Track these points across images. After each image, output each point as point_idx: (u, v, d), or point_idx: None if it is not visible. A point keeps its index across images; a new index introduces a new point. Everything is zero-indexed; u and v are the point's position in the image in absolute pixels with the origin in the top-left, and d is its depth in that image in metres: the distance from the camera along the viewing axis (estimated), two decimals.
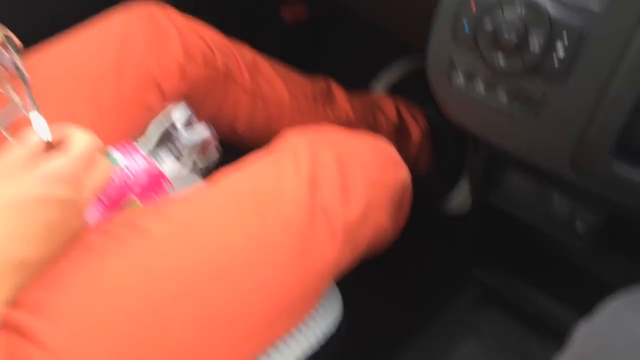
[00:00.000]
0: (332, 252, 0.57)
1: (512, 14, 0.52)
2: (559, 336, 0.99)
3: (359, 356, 0.94)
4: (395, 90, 1.15)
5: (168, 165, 0.62)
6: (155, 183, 0.61)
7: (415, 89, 1.12)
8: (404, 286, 1.04)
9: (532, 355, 0.95)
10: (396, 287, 1.03)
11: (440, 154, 1.09)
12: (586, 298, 0.91)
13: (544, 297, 0.91)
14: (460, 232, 1.07)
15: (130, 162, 0.61)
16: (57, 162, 0.46)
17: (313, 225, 0.55)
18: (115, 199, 0.59)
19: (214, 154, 0.65)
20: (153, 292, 0.47)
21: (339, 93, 0.95)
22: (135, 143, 0.63)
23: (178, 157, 0.61)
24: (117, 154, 0.61)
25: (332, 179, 0.58)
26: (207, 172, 0.64)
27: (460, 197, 1.13)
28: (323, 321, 0.60)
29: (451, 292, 1.05)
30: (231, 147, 0.75)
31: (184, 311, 0.47)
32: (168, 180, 0.62)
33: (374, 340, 0.96)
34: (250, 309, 0.51)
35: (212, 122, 0.68)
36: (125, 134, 0.66)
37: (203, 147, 0.63)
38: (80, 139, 0.48)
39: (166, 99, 0.71)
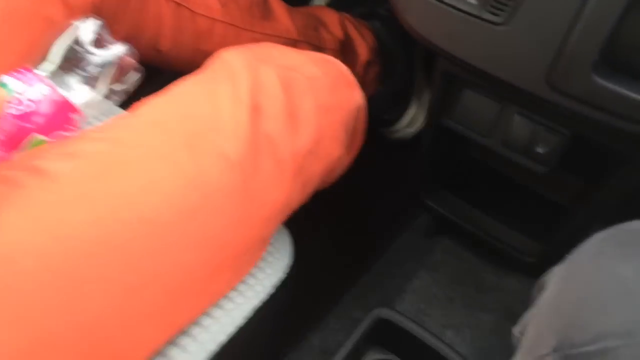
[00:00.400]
0: (280, 191, 0.49)
1: None
2: (513, 267, 0.98)
3: (310, 297, 0.90)
4: (339, 4, 1.05)
5: (76, 91, 0.51)
6: (61, 114, 0.50)
7: (361, 2, 1.02)
8: (352, 219, 0.98)
9: (486, 286, 0.93)
10: (345, 220, 0.97)
11: (388, 74, 1.01)
12: (542, 225, 0.89)
13: (498, 225, 0.87)
14: (411, 158, 1.02)
15: (29, 89, 0.49)
16: None
17: (256, 160, 0.46)
18: (12, 137, 0.48)
19: (133, 76, 0.54)
20: (63, 251, 0.38)
21: (277, 6, 0.84)
22: (34, 68, 0.51)
23: (88, 82, 0.50)
24: (11, 81, 0.49)
25: (277, 104, 0.50)
26: (127, 101, 0.54)
27: (410, 121, 1.07)
28: (273, 271, 0.53)
29: (403, 223, 1.01)
30: (156, 73, 0.65)
31: (102, 272, 0.39)
32: (77, 110, 0.51)
33: (326, 279, 0.91)
34: (184, 265, 0.43)
35: (131, 41, 0.56)
36: (20, 56, 0.54)
37: (119, 68, 0.52)
38: None
39: (72, 13, 0.59)
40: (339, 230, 0.94)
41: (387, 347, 0.80)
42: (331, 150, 0.54)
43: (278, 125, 0.49)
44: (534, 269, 0.90)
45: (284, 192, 0.49)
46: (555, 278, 0.45)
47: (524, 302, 0.95)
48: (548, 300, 0.43)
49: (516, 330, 0.44)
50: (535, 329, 0.40)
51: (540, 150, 0.72)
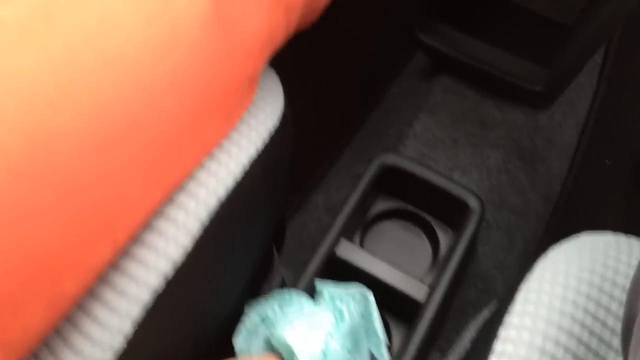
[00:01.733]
0: (260, 18, 0.42)
1: None
2: (519, 99, 0.93)
3: (307, 155, 0.85)
4: None
5: None
6: None
7: None
8: (343, 66, 0.91)
9: (491, 123, 0.88)
10: (335, 67, 0.90)
11: None
12: (547, 49, 0.83)
13: (501, 53, 0.81)
14: None
15: None
16: None
17: None
18: None
19: None
20: (16, 102, 0.32)
21: None
22: None
23: None
24: None
25: None
26: None
27: None
28: (266, 117, 0.47)
29: (397, 66, 0.94)
30: None
31: (66, 124, 0.33)
32: None
33: (321, 133, 0.86)
34: (165, 111, 0.37)
35: None
36: None
37: None
38: None
39: None
40: (329, 77, 0.87)
41: (394, 195, 0.77)
42: None
43: None
44: (542, 98, 0.85)
45: (265, 19, 0.42)
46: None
47: (531, 136, 0.91)
48: None
49: None
50: None
51: None
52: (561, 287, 0.43)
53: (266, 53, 0.45)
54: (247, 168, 0.45)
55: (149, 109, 0.36)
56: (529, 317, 0.42)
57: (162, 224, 0.41)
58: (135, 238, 0.41)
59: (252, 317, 0.54)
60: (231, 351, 0.55)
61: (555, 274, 0.44)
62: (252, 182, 0.46)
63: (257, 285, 0.71)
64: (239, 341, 0.53)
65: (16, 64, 0.33)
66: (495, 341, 0.42)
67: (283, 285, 0.74)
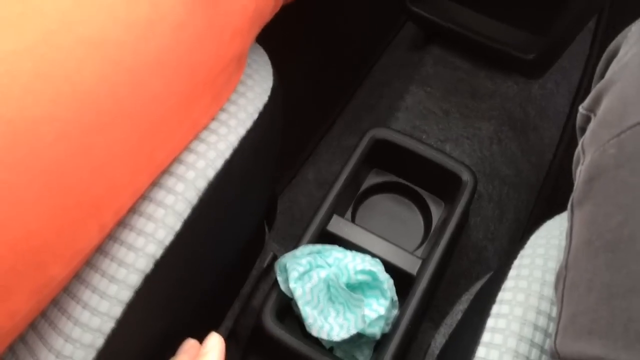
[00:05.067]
0: None
1: None
2: (511, 68, 0.92)
3: (297, 129, 0.84)
4: None
5: None
6: None
7: None
8: (331, 38, 0.90)
9: (482, 94, 0.87)
10: (322, 40, 0.89)
11: None
12: (540, 17, 0.82)
13: (493, 22, 0.80)
14: None
15: None
16: None
17: None
18: None
19: None
20: (5, 88, 0.31)
21: None
22: None
23: None
24: None
25: None
26: None
27: None
28: (255, 95, 0.46)
29: (386, 37, 0.92)
30: None
31: (48, 111, 0.32)
32: None
33: (310, 107, 0.85)
34: (150, 92, 0.36)
35: None
36: None
37: None
38: None
39: None
40: (318, 53, 0.85)
41: (386, 169, 0.77)
42: None
43: None
44: (534, 67, 0.84)
45: None
46: (636, 37, 0.36)
47: (523, 106, 0.91)
48: (634, 63, 0.35)
49: (583, 106, 0.37)
50: (617, 99, 0.33)
51: None
52: (554, 262, 0.43)
53: (254, 29, 0.44)
54: (237, 147, 0.44)
55: (133, 90, 0.35)
56: (521, 293, 0.42)
57: (151, 208, 0.40)
58: (124, 222, 0.40)
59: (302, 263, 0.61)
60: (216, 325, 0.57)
61: (548, 248, 0.44)
62: (241, 162, 0.45)
63: (248, 262, 0.71)
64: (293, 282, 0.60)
65: (5, 49, 0.32)
66: (488, 318, 0.42)
67: (274, 260, 0.74)
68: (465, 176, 0.69)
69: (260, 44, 0.51)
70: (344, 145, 0.88)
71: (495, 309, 0.43)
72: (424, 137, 0.85)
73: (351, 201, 0.76)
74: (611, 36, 0.90)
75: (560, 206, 0.49)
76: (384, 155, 0.74)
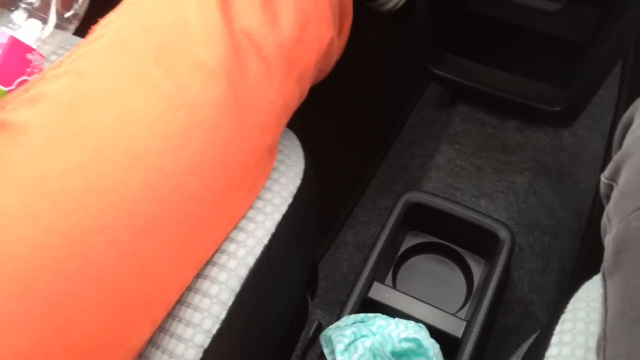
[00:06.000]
0: (274, 91, 0.43)
1: None
2: (539, 120, 0.93)
3: (333, 196, 0.86)
4: None
5: (24, 28, 0.45)
6: (15, 57, 0.44)
7: None
8: (358, 107, 0.92)
9: (513, 147, 0.88)
10: (350, 110, 0.92)
11: None
12: (562, 69, 0.83)
13: (516, 78, 0.81)
14: (408, 29, 0.94)
15: None
16: None
17: (239, 62, 0.41)
18: None
19: None
20: (53, 207, 0.34)
21: None
22: None
23: (33, 14, 0.44)
24: None
25: None
26: (83, 26, 0.47)
27: None
28: (288, 180, 0.48)
29: (412, 100, 0.95)
30: None
31: (101, 222, 0.35)
32: (32, 49, 0.45)
33: (344, 174, 0.87)
34: (190, 193, 0.38)
35: None
36: None
37: None
38: None
39: None
40: (346, 121, 0.88)
41: (423, 230, 0.78)
42: (320, 33, 0.48)
43: (254, 17, 0.42)
44: (562, 117, 0.85)
45: (278, 92, 0.43)
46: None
47: (556, 155, 0.91)
48: None
49: (604, 175, 0.39)
50: (635, 173, 0.34)
51: None
52: (597, 326, 0.43)
53: (283, 121, 0.46)
54: (274, 232, 0.46)
55: (174, 193, 0.38)
56: None
57: (197, 299, 0.42)
58: (172, 314, 0.42)
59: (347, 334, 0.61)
60: None
61: (589, 312, 0.44)
62: (279, 245, 0.47)
63: (294, 334, 0.72)
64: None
65: (47, 168, 0.35)
66: None
67: (319, 329, 0.75)
68: (502, 234, 0.69)
69: (290, 123, 0.54)
70: (380, 207, 0.90)
71: None
72: (457, 194, 0.85)
73: (391, 265, 0.76)
74: (639, 78, 0.89)
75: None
76: (419, 217, 0.75)
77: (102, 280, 0.35)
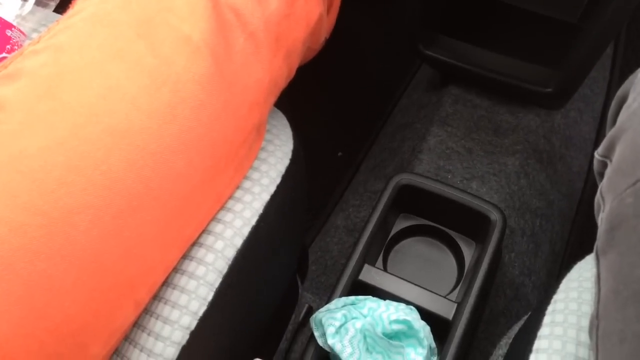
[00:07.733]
0: (261, 68, 0.42)
1: None
2: (531, 102, 0.92)
3: (322, 178, 0.85)
4: None
5: (4, 4, 0.43)
6: None
7: None
8: (348, 88, 0.91)
9: (505, 129, 0.87)
10: (340, 90, 0.90)
11: None
12: (555, 50, 0.82)
13: (509, 59, 0.80)
14: (397, 9, 0.92)
15: None
16: None
17: (225, 38, 0.39)
18: None
19: None
20: (32, 185, 0.33)
21: None
22: None
23: None
24: None
25: None
26: (62, 1, 0.46)
27: None
28: (276, 160, 0.47)
29: (403, 81, 0.93)
30: None
31: (82, 201, 0.34)
32: (13, 26, 0.44)
33: (334, 157, 0.86)
34: (176, 173, 0.37)
35: None
36: None
37: None
38: None
39: None
40: (336, 102, 0.87)
41: (414, 212, 0.77)
42: (309, 8, 0.47)
43: None
44: (554, 99, 0.84)
45: (266, 68, 0.42)
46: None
47: (548, 137, 0.90)
48: None
49: (598, 152, 0.38)
50: (629, 148, 0.33)
51: None
52: (589, 307, 0.43)
53: (271, 99, 0.45)
54: (262, 213, 0.45)
55: (158, 172, 0.37)
56: (558, 340, 0.42)
57: (183, 280, 0.41)
58: (158, 295, 0.41)
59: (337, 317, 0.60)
60: None
61: (581, 292, 0.44)
62: (268, 226, 0.46)
63: (284, 316, 0.71)
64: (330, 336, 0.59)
65: (26, 145, 0.34)
66: None
67: (309, 312, 0.74)
68: (494, 215, 0.68)
69: (279, 104, 0.53)
70: (370, 191, 0.89)
71: (532, 358, 0.42)
72: (449, 177, 0.85)
73: (381, 248, 0.76)
74: (630, 60, 0.88)
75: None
76: (410, 200, 0.74)
77: (83, 261, 0.34)
